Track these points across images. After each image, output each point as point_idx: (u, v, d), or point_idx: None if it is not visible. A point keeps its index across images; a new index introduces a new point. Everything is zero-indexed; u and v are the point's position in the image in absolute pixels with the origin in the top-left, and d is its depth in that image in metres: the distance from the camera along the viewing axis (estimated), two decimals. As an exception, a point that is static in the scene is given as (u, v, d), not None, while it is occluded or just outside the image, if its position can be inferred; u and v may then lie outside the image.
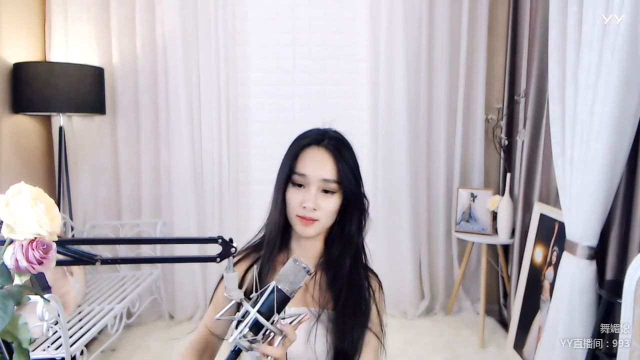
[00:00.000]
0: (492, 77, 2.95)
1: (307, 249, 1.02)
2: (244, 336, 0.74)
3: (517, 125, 2.72)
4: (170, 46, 2.72)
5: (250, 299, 0.77)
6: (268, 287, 0.76)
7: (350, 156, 0.98)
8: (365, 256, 1.05)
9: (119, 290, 2.45)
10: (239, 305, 0.80)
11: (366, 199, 1.02)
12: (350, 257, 1.00)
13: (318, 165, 0.95)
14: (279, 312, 0.76)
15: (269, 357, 0.76)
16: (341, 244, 1.01)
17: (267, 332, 0.76)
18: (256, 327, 0.75)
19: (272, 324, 0.75)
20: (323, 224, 0.96)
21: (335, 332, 0.96)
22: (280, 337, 0.77)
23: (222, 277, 1.04)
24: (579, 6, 1.81)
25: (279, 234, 0.98)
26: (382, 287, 1.06)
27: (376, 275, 1.07)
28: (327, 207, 0.95)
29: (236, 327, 0.75)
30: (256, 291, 0.78)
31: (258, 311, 0.74)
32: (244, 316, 0.75)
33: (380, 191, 2.90)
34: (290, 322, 0.79)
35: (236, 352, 0.76)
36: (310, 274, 0.78)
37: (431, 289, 3.04)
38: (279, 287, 0.75)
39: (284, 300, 0.76)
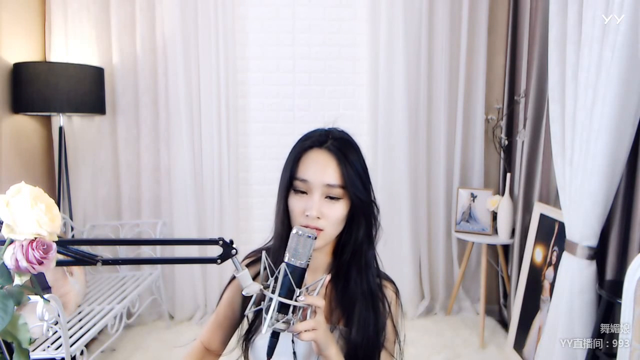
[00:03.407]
0: (492, 77, 2.95)
1: (313, 262, 0.91)
2: (277, 320, 0.76)
3: (517, 125, 2.72)
4: (170, 46, 2.72)
5: (268, 287, 0.79)
6: (280, 269, 0.77)
7: (357, 158, 0.90)
8: (378, 265, 0.98)
9: (119, 290, 2.45)
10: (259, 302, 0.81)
11: (376, 206, 0.94)
12: (360, 269, 0.93)
13: (320, 169, 0.87)
14: (299, 287, 0.77)
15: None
16: (350, 255, 0.93)
17: (295, 308, 0.78)
18: (284, 307, 0.77)
19: (296, 300, 0.77)
20: (329, 234, 0.89)
21: (347, 351, 0.90)
22: (309, 309, 0.79)
23: (221, 295, 1.05)
24: (578, 6, 1.81)
25: (283, 247, 0.86)
26: (398, 296, 1.00)
27: (392, 282, 1.00)
28: (333, 215, 0.87)
29: (265, 314, 0.76)
30: (271, 276, 0.80)
31: (279, 294, 0.76)
32: (269, 304, 0.77)
33: (380, 191, 2.90)
34: (308, 290, 0.81)
35: (275, 336, 0.79)
36: (316, 238, 0.78)
37: (431, 289, 3.04)
38: (291, 263, 0.77)
39: (300, 273, 0.77)
